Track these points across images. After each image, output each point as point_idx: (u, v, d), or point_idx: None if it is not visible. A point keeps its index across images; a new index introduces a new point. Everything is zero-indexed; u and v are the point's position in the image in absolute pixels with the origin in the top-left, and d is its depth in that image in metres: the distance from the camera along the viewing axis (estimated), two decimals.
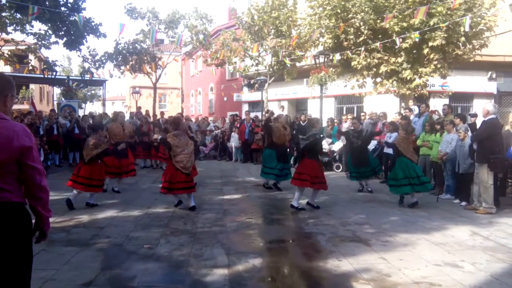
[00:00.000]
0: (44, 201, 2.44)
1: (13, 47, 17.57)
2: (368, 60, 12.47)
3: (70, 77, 22.19)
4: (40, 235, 2.52)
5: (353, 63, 12.76)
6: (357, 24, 12.22)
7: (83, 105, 34.35)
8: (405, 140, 7.59)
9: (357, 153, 8.89)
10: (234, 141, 15.33)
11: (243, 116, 16.88)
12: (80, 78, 20.85)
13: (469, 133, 7.83)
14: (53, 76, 18.27)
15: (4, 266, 2.24)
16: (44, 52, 18.99)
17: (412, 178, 7.35)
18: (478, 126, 8.02)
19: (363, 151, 8.96)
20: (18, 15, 14.27)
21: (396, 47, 11.85)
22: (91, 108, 42.37)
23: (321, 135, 7.29)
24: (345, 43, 12.90)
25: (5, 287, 2.26)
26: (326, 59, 13.33)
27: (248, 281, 4.01)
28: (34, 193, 2.39)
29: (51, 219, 2.55)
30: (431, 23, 10.94)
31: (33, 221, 2.45)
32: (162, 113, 17.13)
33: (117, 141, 8.48)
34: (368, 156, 9.14)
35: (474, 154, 7.16)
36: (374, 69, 12.73)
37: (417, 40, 11.29)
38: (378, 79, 13.23)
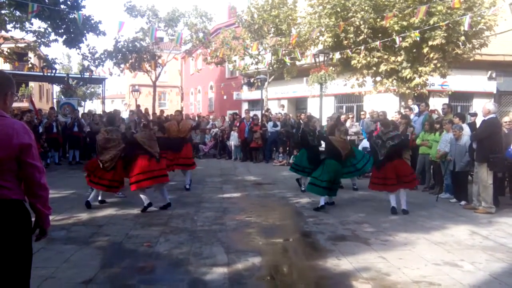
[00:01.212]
0: (44, 198, 2.43)
1: (13, 45, 17.55)
2: (368, 59, 12.47)
3: (70, 75, 22.19)
4: (40, 233, 2.51)
5: (353, 62, 12.76)
6: (357, 23, 12.21)
7: (83, 103, 34.34)
8: (340, 140, 7.32)
9: (313, 151, 8.54)
10: (233, 140, 15.33)
11: (243, 115, 16.88)
12: (79, 76, 20.87)
13: (466, 131, 7.83)
14: (52, 74, 18.28)
15: (3, 263, 2.24)
16: (43, 50, 19.00)
17: (332, 182, 7.04)
18: (478, 125, 8.02)
19: (318, 150, 8.63)
20: (18, 13, 14.25)
21: (396, 46, 11.85)
22: (91, 106, 42.39)
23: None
24: (345, 42, 12.90)
25: (4, 285, 2.25)
26: (326, 58, 13.32)
27: (247, 280, 4.01)
28: (34, 191, 2.38)
29: (50, 217, 2.55)
30: (431, 22, 10.94)
31: (33, 219, 2.45)
32: (162, 111, 17.14)
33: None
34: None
35: (473, 153, 7.16)
36: (374, 68, 12.74)
37: (417, 39, 11.29)
38: (378, 78, 13.23)
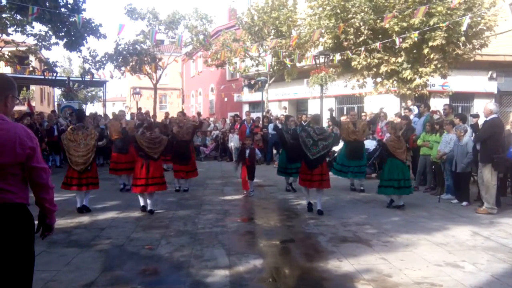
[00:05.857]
0: (51, 197, 2.51)
1: (14, 48, 17.60)
2: (368, 60, 12.47)
3: (71, 78, 22.22)
4: (47, 229, 2.58)
5: (353, 63, 12.76)
6: (357, 24, 12.22)
7: (84, 106, 34.35)
8: (396, 140, 7.47)
9: (292, 150, 8.39)
10: (234, 141, 15.32)
11: (244, 117, 16.87)
12: (80, 79, 20.89)
13: (469, 132, 7.81)
14: (53, 77, 18.31)
15: (6, 267, 2.25)
16: (44, 53, 19.04)
17: (397, 180, 7.20)
18: (480, 126, 8.00)
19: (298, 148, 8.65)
20: (19, 17, 14.30)
21: (396, 47, 11.85)
22: (92, 109, 42.40)
23: None
24: (345, 43, 12.90)
25: None
26: (326, 59, 13.32)
27: (249, 282, 4.01)
28: (42, 191, 2.45)
29: None
30: (431, 23, 10.93)
31: (36, 222, 2.48)
32: (167, 114, 17.19)
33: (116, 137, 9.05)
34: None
35: (477, 154, 7.13)
36: (374, 69, 12.73)
37: (416, 40, 11.28)
38: (379, 79, 13.23)
